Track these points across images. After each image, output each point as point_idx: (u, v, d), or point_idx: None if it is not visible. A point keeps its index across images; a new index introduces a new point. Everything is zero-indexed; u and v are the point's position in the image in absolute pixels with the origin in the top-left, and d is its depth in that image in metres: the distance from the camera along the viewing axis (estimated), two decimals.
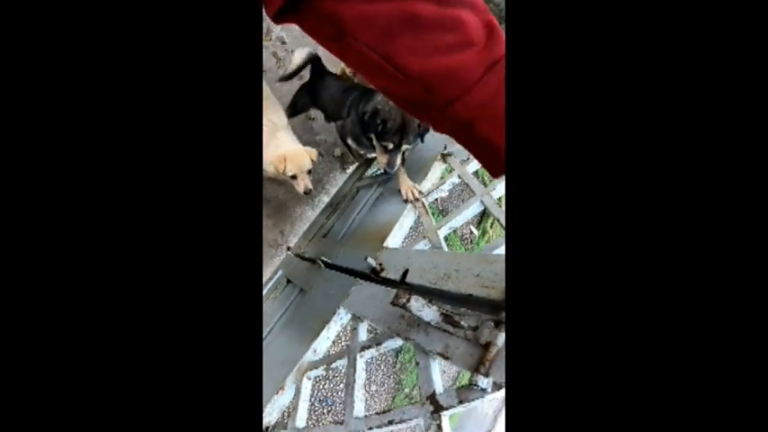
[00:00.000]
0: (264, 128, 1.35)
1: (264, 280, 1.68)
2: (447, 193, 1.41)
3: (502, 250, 0.85)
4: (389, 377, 2.49)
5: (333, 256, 1.24)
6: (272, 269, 1.73)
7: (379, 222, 1.25)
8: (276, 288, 1.54)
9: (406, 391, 2.56)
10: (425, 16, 0.31)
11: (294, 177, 1.33)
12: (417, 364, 0.69)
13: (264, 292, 1.58)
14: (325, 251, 1.32)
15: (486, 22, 0.34)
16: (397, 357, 2.55)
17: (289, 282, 1.49)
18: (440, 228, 1.06)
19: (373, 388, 2.39)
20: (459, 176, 1.19)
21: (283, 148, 1.33)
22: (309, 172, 1.35)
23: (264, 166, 1.36)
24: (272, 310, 1.39)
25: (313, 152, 1.38)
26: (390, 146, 1.17)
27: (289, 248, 1.67)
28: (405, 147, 1.20)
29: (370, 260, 0.63)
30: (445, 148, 1.29)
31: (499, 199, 1.05)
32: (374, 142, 1.21)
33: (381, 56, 0.33)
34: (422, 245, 1.04)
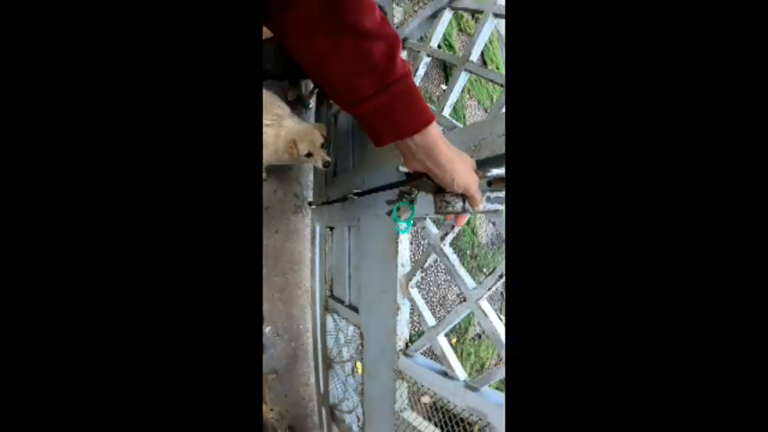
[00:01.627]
0: (271, 123, 1.36)
1: (309, 239, 1.74)
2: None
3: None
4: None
5: (358, 184, 1.27)
6: (309, 228, 1.78)
7: None
8: (325, 241, 1.60)
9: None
10: (348, 48, 0.45)
11: (310, 155, 1.32)
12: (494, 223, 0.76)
13: (317, 248, 1.65)
14: (347, 185, 1.34)
15: (391, 51, 0.46)
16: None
17: (332, 228, 1.55)
18: (441, 110, 1.06)
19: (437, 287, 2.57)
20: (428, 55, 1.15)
21: (288, 128, 1.33)
22: (323, 146, 1.34)
23: (279, 156, 1.37)
24: (338, 256, 1.47)
25: (322, 126, 1.36)
26: None
27: (311, 203, 1.69)
28: None
29: (401, 168, 0.65)
30: None
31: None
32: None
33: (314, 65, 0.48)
34: None
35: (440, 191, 0.63)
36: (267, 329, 1.75)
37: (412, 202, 0.67)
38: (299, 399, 1.82)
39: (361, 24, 0.44)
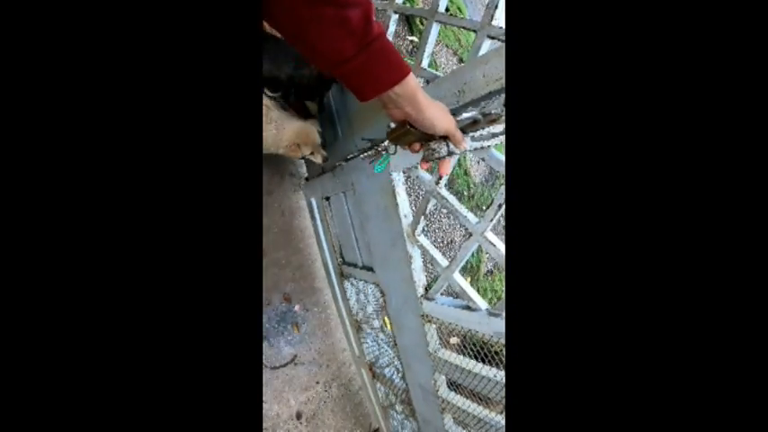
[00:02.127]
0: (270, 127, 1.32)
1: (309, 216, 1.76)
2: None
3: (483, 51, 0.87)
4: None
5: (350, 151, 1.26)
6: (304, 201, 1.79)
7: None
8: (324, 212, 1.61)
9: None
10: (328, 16, 0.49)
11: (312, 154, 1.34)
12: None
13: (317, 221, 1.67)
14: (341, 153, 1.34)
15: (366, 15, 0.51)
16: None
17: (327, 198, 1.56)
18: (420, 63, 1.04)
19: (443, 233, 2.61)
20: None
21: (288, 130, 1.28)
22: (322, 144, 1.35)
23: (267, 147, 1.34)
24: (341, 223, 1.49)
25: (316, 122, 1.35)
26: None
27: (308, 179, 1.69)
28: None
29: (391, 124, 0.66)
30: None
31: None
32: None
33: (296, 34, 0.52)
34: None
35: (422, 139, 0.66)
36: (296, 307, 1.80)
37: (386, 150, 0.71)
38: (341, 365, 1.90)
39: None
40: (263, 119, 1.25)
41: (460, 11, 2.86)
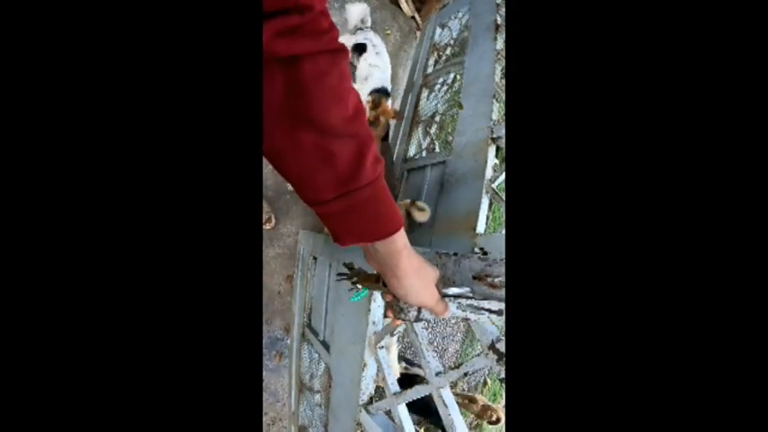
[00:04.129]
0: None
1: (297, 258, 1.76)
2: None
3: None
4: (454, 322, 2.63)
5: None
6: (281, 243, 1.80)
7: None
8: (308, 267, 1.61)
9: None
10: (307, 146, 0.41)
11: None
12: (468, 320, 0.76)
13: (299, 273, 1.66)
14: None
15: (360, 152, 0.42)
16: None
17: (315, 258, 1.56)
18: None
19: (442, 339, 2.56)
20: None
21: None
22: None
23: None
24: (318, 288, 1.49)
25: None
26: None
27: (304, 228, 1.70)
28: None
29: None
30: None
31: None
32: None
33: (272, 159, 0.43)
34: None
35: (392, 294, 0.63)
36: (290, 341, 1.80)
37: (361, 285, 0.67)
38: (278, 417, 1.87)
39: (324, 119, 0.40)
40: None
41: None
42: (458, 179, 1.28)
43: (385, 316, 0.70)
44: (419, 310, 0.63)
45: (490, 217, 2.57)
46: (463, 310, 0.67)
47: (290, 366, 1.74)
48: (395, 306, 0.64)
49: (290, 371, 1.71)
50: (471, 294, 0.65)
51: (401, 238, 0.49)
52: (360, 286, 0.66)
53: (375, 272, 0.59)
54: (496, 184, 1.16)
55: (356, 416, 1.08)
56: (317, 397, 1.49)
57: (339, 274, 0.70)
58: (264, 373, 1.81)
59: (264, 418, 1.84)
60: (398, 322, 0.72)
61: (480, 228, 1.11)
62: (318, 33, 0.38)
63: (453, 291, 0.65)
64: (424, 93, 1.82)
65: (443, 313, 0.61)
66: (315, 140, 0.40)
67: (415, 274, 0.54)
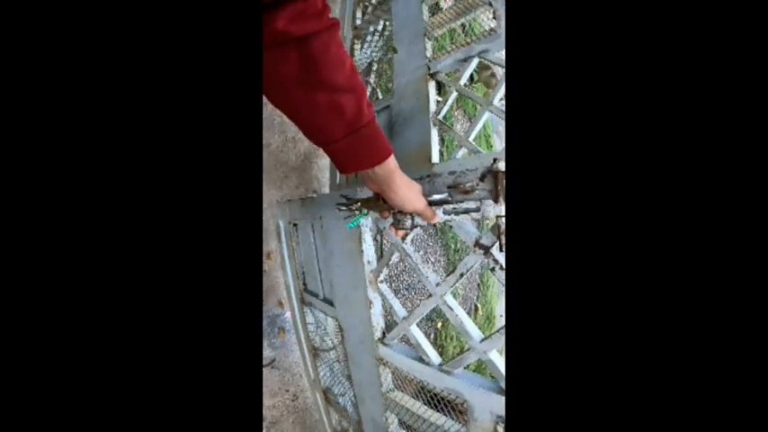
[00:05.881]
0: None
1: (276, 235, 1.75)
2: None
3: None
4: (437, 244, 2.74)
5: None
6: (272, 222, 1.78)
7: None
8: (290, 236, 1.61)
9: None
10: (322, 103, 0.52)
11: None
12: (451, 227, 0.80)
13: (283, 244, 1.66)
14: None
15: (359, 102, 0.54)
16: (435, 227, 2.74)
17: (295, 225, 1.56)
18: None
19: (432, 259, 2.66)
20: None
21: None
22: None
23: None
24: (306, 252, 1.49)
25: None
26: None
27: (278, 202, 1.68)
28: None
29: (365, 191, 0.70)
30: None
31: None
32: None
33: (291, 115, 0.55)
34: None
35: (391, 209, 0.70)
36: (288, 314, 1.82)
37: (359, 211, 0.77)
38: (299, 390, 1.90)
39: (333, 80, 0.51)
40: None
41: None
42: (405, 119, 1.31)
43: (390, 228, 0.79)
44: (413, 218, 0.70)
45: (444, 153, 2.66)
46: (447, 214, 0.74)
47: (297, 337, 1.77)
48: (394, 219, 0.74)
49: (300, 340, 1.74)
50: (450, 198, 0.73)
51: (393, 161, 0.61)
52: (357, 212, 0.77)
53: (372, 194, 0.70)
54: (441, 115, 1.24)
55: (375, 352, 1.13)
56: (332, 354, 1.53)
57: (338, 204, 0.77)
58: (273, 352, 1.82)
59: (285, 396, 1.87)
60: (400, 234, 0.87)
61: (435, 158, 1.17)
62: (319, 14, 0.48)
63: (436, 197, 0.76)
64: (357, 45, 1.81)
65: (433, 218, 0.72)
66: (327, 98, 0.51)
67: (407, 186, 0.66)
